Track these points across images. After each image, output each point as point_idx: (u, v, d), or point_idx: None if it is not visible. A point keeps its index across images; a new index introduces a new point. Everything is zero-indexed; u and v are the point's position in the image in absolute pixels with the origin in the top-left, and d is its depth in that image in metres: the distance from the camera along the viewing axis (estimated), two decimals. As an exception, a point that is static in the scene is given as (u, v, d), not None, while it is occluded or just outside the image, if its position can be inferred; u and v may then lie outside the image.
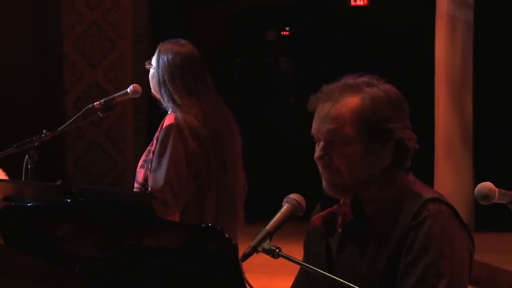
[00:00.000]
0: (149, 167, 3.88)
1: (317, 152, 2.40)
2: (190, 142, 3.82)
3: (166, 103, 3.93)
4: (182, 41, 4.02)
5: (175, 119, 3.84)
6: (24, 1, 9.11)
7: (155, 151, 3.86)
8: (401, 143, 2.38)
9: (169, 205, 3.77)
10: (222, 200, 3.92)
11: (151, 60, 4.02)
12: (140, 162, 3.98)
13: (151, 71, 4.01)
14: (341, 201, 2.46)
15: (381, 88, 2.39)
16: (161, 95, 3.95)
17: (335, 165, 2.38)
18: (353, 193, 2.39)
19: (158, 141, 3.86)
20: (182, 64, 3.93)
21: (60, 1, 9.29)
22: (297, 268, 2.53)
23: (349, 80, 2.43)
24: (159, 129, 3.91)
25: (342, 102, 2.37)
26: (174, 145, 3.80)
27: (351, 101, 2.37)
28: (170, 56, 3.94)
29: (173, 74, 3.91)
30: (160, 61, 3.94)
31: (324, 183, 2.42)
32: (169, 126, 3.83)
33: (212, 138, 3.87)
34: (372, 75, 2.44)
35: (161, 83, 3.93)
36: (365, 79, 2.42)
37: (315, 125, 2.41)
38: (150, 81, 4.03)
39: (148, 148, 3.95)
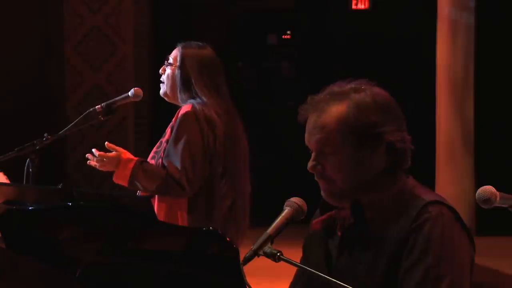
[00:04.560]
0: (161, 155, 3.90)
1: (310, 163, 2.41)
2: (206, 132, 3.85)
3: (185, 102, 3.95)
4: (201, 44, 4.08)
5: (193, 107, 3.88)
6: (26, 5, 9.12)
7: (171, 137, 3.89)
8: (392, 145, 2.37)
9: (186, 190, 3.83)
10: (237, 201, 3.95)
11: (168, 59, 4.03)
12: (151, 154, 4.00)
13: (168, 71, 4.02)
14: (341, 205, 2.46)
15: (368, 93, 2.38)
16: (180, 95, 3.97)
17: (328, 174, 2.38)
18: (351, 199, 2.39)
19: (175, 128, 3.90)
20: (210, 64, 4.00)
21: (62, 5, 9.30)
22: (298, 272, 2.53)
23: (335, 88, 2.43)
24: (174, 119, 3.94)
25: (328, 112, 2.37)
26: (190, 131, 3.85)
27: (336, 110, 2.37)
28: (198, 57, 4.00)
29: (202, 74, 3.96)
30: (187, 62, 3.97)
31: (322, 192, 2.43)
32: (186, 113, 3.88)
33: (228, 137, 3.91)
34: (361, 80, 2.44)
35: (184, 83, 3.96)
36: (353, 85, 2.42)
37: (306, 136, 2.43)
38: (167, 81, 4.02)
39: (160, 139, 3.98)
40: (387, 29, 11.29)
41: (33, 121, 8.63)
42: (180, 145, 3.84)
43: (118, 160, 3.90)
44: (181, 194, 3.85)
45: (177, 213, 3.89)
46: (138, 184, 3.86)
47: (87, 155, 3.95)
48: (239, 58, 12.57)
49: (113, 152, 3.92)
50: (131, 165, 3.87)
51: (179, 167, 3.82)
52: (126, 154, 3.93)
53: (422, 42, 10.02)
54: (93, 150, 3.94)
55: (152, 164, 3.93)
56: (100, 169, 3.95)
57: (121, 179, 3.91)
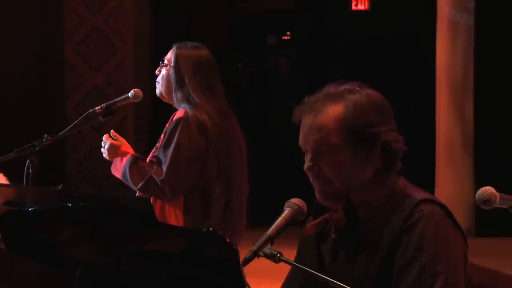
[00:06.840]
0: (157, 162, 3.92)
1: (306, 164, 2.42)
2: (196, 138, 3.86)
3: (179, 103, 3.95)
4: (197, 44, 4.06)
5: (185, 113, 3.89)
6: (26, 6, 9.12)
7: (163, 142, 3.93)
8: (388, 145, 2.39)
9: (166, 195, 3.87)
10: (233, 201, 3.95)
11: (163, 61, 4.03)
12: (148, 159, 4.01)
13: (163, 71, 4.02)
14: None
15: (363, 94, 2.41)
16: (175, 95, 3.97)
17: (325, 174, 2.39)
18: (345, 200, 2.39)
19: (167, 133, 3.92)
20: (204, 65, 4.00)
21: (62, 5, 9.30)
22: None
23: (330, 89, 2.45)
24: (167, 124, 3.95)
25: (326, 112, 2.38)
26: (180, 137, 3.87)
27: (334, 110, 2.38)
28: (193, 58, 3.99)
29: (196, 74, 3.96)
30: (181, 62, 3.97)
31: (316, 194, 2.43)
32: (178, 120, 3.89)
33: (221, 138, 3.91)
34: (354, 82, 2.45)
35: (178, 83, 3.96)
36: (346, 86, 2.44)
37: (301, 137, 2.43)
38: (162, 81, 4.03)
39: (156, 145, 4.00)
40: (387, 30, 11.30)
41: (33, 122, 8.63)
42: (169, 151, 3.88)
43: (116, 149, 4.01)
44: (160, 197, 3.89)
45: (172, 213, 3.91)
46: (129, 178, 3.91)
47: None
48: (238, 59, 12.58)
49: (116, 141, 4.04)
50: (126, 158, 3.96)
51: (164, 172, 3.85)
52: (126, 147, 4.03)
53: (422, 42, 10.02)
54: (109, 133, 4.07)
55: (145, 163, 3.96)
56: (102, 151, 4.04)
57: (116, 170, 4.00)
